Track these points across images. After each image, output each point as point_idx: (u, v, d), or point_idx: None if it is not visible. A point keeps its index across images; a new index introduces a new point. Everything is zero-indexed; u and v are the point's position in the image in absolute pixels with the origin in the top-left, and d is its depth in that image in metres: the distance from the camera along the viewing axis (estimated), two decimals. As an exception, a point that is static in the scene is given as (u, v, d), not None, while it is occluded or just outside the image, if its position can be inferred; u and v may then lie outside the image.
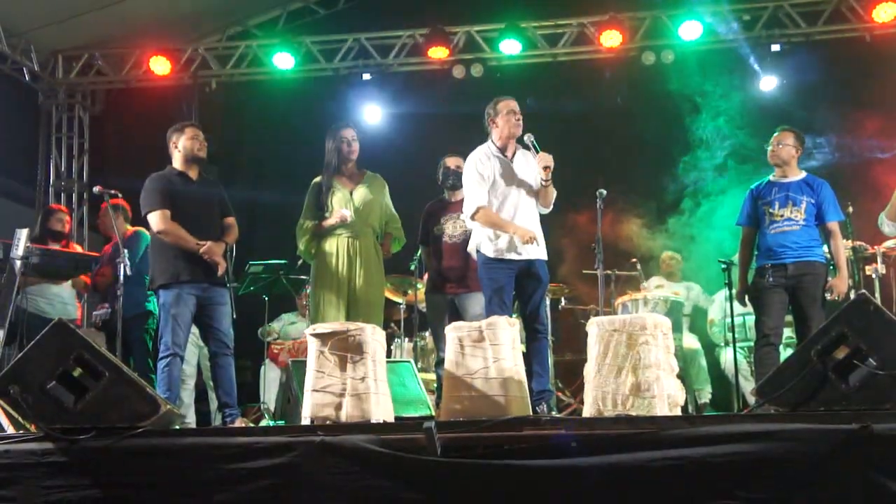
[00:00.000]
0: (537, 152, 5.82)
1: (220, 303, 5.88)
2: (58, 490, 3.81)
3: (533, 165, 5.92)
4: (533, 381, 5.47)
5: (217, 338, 5.87)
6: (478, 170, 5.88)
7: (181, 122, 6.27)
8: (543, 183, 5.81)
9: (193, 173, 6.02)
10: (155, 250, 5.93)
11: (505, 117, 5.91)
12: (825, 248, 6.25)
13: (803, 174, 6.33)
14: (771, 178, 6.38)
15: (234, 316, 6.04)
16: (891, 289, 6.80)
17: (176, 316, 5.69)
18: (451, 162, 6.60)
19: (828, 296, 6.12)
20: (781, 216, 6.18)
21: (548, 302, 7.47)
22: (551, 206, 5.99)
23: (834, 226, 6.21)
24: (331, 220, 6.09)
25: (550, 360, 7.00)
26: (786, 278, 6.06)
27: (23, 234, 5.56)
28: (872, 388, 3.59)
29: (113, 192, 7.22)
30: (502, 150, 5.97)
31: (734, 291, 6.71)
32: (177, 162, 6.05)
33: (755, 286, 6.28)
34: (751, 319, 7.75)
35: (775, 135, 6.39)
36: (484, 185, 5.85)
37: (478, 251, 5.90)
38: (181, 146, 6.02)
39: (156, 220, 5.81)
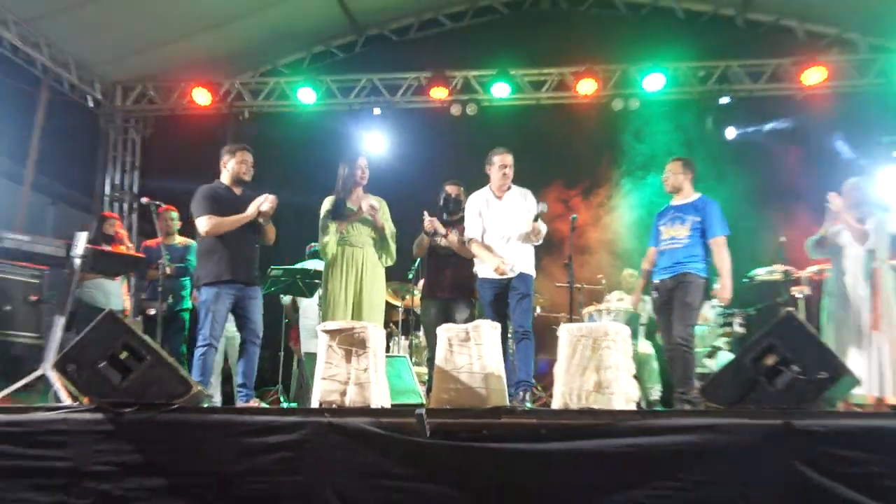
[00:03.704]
0: (535, 220, 5.94)
1: (253, 297, 5.82)
2: (105, 454, 3.85)
3: (522, 206, 6.07)
4: (516, 374, 5.70)
5: (249, 328, 5.82)
6: (474, 208, 6.12)
7: (235, 144, 6.12)
8: (533, 239, 5.95)
9: (238, 190, 5.95)
10: (201, 252, 5.83)
11: (497, 171, 6.10)
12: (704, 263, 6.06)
13: (697, 196, 6.15)
14: (671, 202, 6.27)
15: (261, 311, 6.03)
16: (813, 307, 6.81)
17: (214, 312, 5.62)
18: (452, 190, 6.63)
19: (714, 303, 6.04)
20: (669, 236, 6.05)
21: (536, 309, 7.52)
22: (540, 242, 6.06)
23: (717, 240, 5.94)
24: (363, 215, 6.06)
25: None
26: (667, 291, 5.96)
27: (82, 237, 5.55)
28: (795, 390, 3.64)
29: (158, 202, 7.26)
30: (495, 192, 6.15)
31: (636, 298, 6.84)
32: (224, 178, 5.96)
33: (652, 300, 6.19)
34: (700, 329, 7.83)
35: (667, 166, 6.26)
36: (478, 221, 6.08)
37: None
38: (230, 167, 5.93)
39: (202, 224, 5.73)
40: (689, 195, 6.16)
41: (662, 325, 6.09)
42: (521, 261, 5.99)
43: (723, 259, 5.91)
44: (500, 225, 6.05)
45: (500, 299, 5.94)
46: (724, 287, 5.92)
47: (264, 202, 5.80)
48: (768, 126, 9.63)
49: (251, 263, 5.93)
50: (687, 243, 5.94)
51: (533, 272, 6.09)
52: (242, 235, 5.81)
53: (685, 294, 5.80)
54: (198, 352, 5.64)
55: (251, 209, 5.77)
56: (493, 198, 6.14)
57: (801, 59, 9.62)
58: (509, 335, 6.17)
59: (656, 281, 6.06)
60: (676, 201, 6.18)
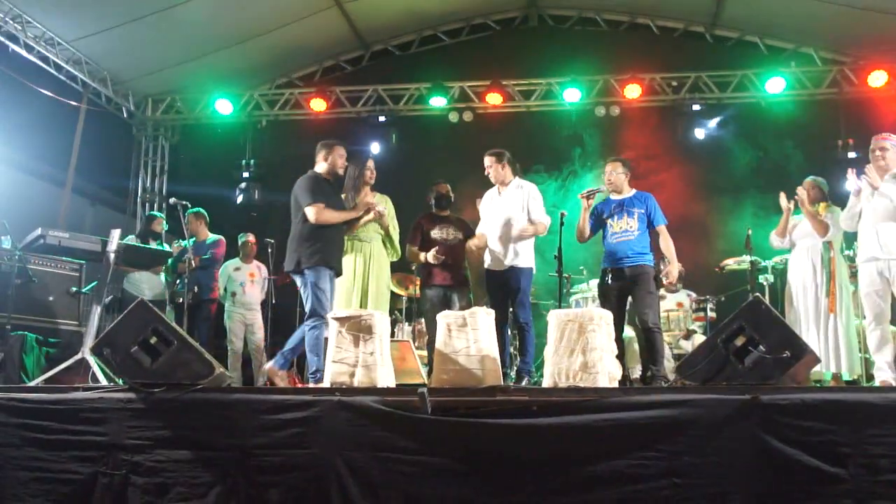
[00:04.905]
0: (588, 197, 5.97)
1: (331, 288, 5.50)
2: (137, 429, 3.86)
3: (518, 199, 6.07)
4: (515, 362, 5.83)
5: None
6: (483, 205, 6.27)
7: (330, 140, 5.84)
8: (530, 232, 6.01)
9: (331, 179, 5.75)
10: (303, 238, 5.44)
11: (486, 168, 6.20)
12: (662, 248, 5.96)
13: (634, 191, 6.04)
14: (610, 197, 6.09)
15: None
16: (776, 293, 6.79)
17: (323, 290, 5.30)
18: (442, 188, 6.54)
19: (664, 280, 5.98)
20: (620, 228, 5.89)
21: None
22: (545, 233, 6.10)
23: (661, 228, 5.87)
24: (367, 217, 5.93)
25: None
26: (623, 280, 5.78)
27: (115, 234, 5.52)
28: (761, 368, 3.63)
29: (184, 202, 7.21)
30: (498, 188, 6.22)
31: None
32: (320, 168, 5.69)
33: (599, 285, 6.04)
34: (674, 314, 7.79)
35: (607, 166, 6.11)
36: (485, 217, 6.20)
37: None
38: (329, 160, 5.68)
39: (311, 212, 5.41)
40: (629, 191, 6.05)
41: (606, 306, 5.90)
42: (521, 254, 5.96)
43: (669, 245, 5.87)
44: (496, 218, 6.06)
45: (501, 288, 5.95)
46: (673, 265, 5.89)
47: (378, 206, 5.75)
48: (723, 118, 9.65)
49: (341, 253, 5.69)
50: (638, 235, 5.83)
51: (532, 264, 6.04)
52: (337, 226, 5.60)
53: (647, 285, 5.72)
54: (313, 332, 5.21)
55: (361, 210, 5.69)
56: (495, 194, 6.20)
57: (763, 71, 9.66)
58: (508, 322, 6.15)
59: (609, 267, 5.88)
60: (616, 196, 6.05)
